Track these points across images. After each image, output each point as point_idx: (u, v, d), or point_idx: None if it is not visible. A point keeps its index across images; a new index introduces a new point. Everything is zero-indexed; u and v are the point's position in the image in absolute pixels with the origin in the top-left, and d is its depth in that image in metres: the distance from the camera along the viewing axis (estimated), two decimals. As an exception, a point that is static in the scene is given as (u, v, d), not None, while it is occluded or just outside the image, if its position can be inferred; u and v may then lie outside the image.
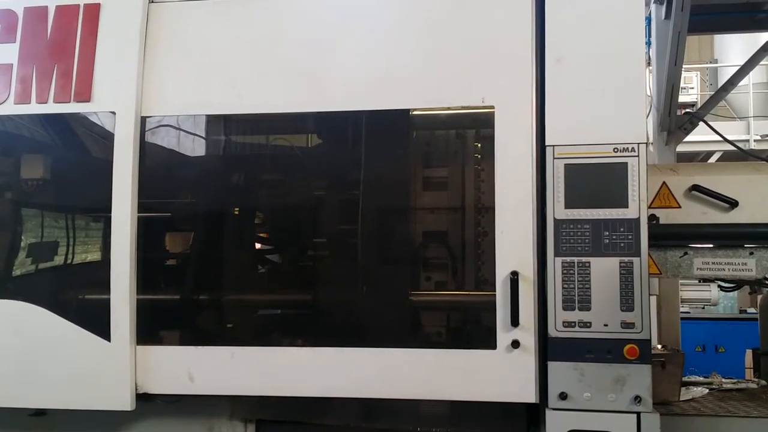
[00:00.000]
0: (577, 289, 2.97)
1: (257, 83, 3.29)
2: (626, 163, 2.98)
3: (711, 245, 3.51)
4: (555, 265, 3.00)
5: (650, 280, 3.03)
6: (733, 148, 5.59)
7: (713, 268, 3.50)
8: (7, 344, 3.31)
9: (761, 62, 5.63)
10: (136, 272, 3.24)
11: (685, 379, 4.10)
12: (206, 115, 3.41)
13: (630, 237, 2.96)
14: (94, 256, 3.46)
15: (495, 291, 3.02)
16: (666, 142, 5.11)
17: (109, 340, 3.23)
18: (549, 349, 2.98)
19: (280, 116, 3.37)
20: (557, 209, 3.02)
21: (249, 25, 3.34)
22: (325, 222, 3.47)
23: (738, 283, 3.93)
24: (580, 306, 2.97)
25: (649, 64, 5.03)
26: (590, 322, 2.96)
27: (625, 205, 2.97)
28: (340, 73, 3.23)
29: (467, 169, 3.34)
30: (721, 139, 5.35)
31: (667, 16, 4.64)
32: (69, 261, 3.48)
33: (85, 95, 3.34)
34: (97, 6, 3.39)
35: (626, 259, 2.95)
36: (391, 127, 3.32)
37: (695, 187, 3.52)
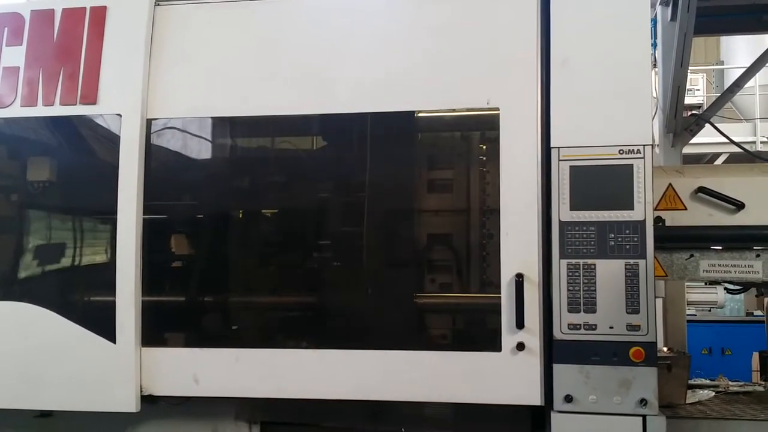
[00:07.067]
0: (582, 291, 2.97)
1: (263, 85, 3.29)
2: (632, 165, 2.97)
3: (717, 247, 3.49)
4: (560, 267, 2.99)
5: (656, 283, 3.01)
6: (740, 150, 5.60)
7: (719, 271, 3.49)
8: (13, 346, 3.33)
9: (768, 64, 5.61)
10: (141, 274, 3.25)
11: (692, 381, 4.08)
12: (212, 118, 3.41)
13: (636, 239, 2.95)
14: (100, 258, 3.47)
15: (500, 293, 3.02)
16: (672, 143, 5.10)
17: (114, 342, 3.24)
18: (554, 352, 2.98)
19: (286, 118, 3.38)
20: (562, 211, 3.01)
21: (254, 28, 3.35)
22: (330, 224, 3.47)
23: (745, 286, 3.91)
24: (586, 308, 2.96)
25: (654, 65, 5.02)
26: (596, 325, 2.95)
27: (631, 207, 2.96)
28: (346, 75, 3.24)
29: (472, 171, 3.33)
30: (727, 140, 5.34)
31: (673, 17, 4.64)
32: (75, 263, 3.49)
33: (91, 98, 3.35)
34: (104, 9, 3.40)
35: (632, 261, 2.94)
36: (396, 129, 3.32)
37: (701, 189, 3.51)
